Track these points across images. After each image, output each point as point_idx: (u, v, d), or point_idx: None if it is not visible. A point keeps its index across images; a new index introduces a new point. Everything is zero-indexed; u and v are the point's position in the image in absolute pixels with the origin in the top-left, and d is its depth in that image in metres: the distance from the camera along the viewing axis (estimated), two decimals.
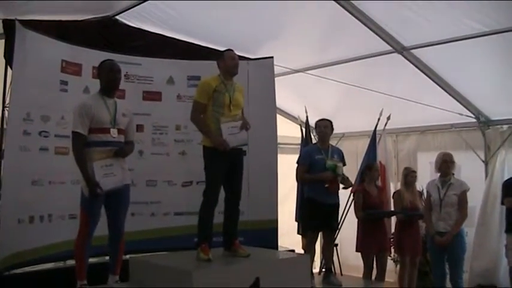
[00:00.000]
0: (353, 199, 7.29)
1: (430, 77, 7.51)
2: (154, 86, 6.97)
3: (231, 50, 5.34)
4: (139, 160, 6.63)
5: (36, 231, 5.65)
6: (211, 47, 7.30)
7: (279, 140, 7.68)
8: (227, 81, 5.19)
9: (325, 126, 6.54)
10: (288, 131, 9.47)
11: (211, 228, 5.07)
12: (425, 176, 7.79)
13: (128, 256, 5.38)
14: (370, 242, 6.91)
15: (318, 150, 6.46)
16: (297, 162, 6.63)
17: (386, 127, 8.75)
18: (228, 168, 5.11)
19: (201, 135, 5.19)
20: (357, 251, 7.05)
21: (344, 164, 6.49)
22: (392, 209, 7.46)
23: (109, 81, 5.04)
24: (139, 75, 6.87)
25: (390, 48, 7.14)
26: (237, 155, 5.18)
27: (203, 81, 5.24)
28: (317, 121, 6.66)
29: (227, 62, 5.21)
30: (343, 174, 6.36)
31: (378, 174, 7.45)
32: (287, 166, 7.76)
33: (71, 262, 5.29)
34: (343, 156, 6.58)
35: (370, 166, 7.39)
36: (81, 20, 6.68)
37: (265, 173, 7.11)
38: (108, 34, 6.84)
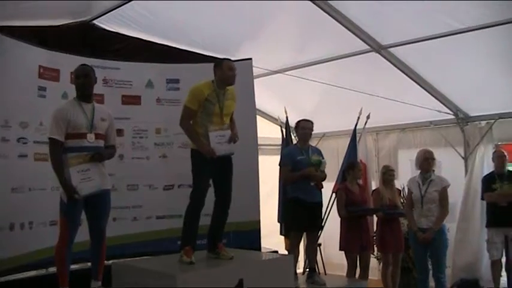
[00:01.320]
0: (335, 197, 7.30)
1: (408, 75, 7.54)
2: (134, 89, 6.92)
3: (230, 60, 5.28)
4: (120, 164, 6.58)
5: (17, 239, 5.58)
6: (190, 50, 7.34)
7: (259, 141, 7.66)
8: (220, 89, 5.14)
9: (307, 128, 6.57)
10: (268, 132, 9.46)
11: (195, 231, 5.05)
12: (406, 173, 7.85)
13: (110, 261, 5.32)
14: (353, 240, 6.91)
15: (299, 151, 6.49)
16: (280, 165, 6.67)
17: (367, 126, 8.76)
18: (217, 172, 5.11)
19: (181, 139, 5.23)
20: (340, 249, 7.06)
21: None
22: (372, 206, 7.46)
23: (76, 86, 4.97)
24: (118, 79, 6.81)
25: (368, 47, 7.17)
26: (226, 160, 5.17)
27: (195, 87, 5.17)
28: (298, 122, 6.68)
29: (225, 72, 5.16)
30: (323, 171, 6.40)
31: (360, 172, 7.47)
32: (268, 167, 7.91)
33: (53, 269, 5.19)
34: (322, 155, 6.61)
35: (353, 165, 7.39)
36: (59, 25, 6.63)
37: (246, 174, 6.87)
38: (86, 39, 6.83)
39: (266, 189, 8.34)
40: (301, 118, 6.71)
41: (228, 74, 5.16)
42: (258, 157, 7.39)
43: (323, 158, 6.48)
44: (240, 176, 6.34)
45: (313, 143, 6.88)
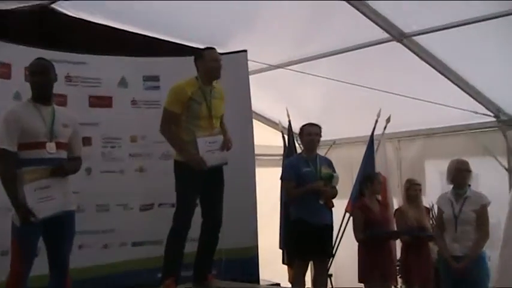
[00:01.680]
0: (349, 218, 7.40)
1: (436, 69, 7.47)
2: (104, 89, 6.93)
3: (213, 49, 5.43)
4: (87, 180, 6.56)
5: None
6: (172, 41, 7.34)
7: (256, 151, 7.66)
8: (206, 86, 5.26)
9: (313, 133, 6.59)
10: (267, 140, 9.52)
11: (179, 260, 5.12)
12: (436, 188, 7.86)
13: None
14: (373, 270, 6.90)
15: (305, 162, 6.52)
16: (281, 179, 6.71)
17: (386, 131, 8.71)
18: (205, 187, 5.22)
19: (163, 148, 5.34)
20: (359, 281, 7.05)
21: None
22: (395, 228, 7.46)
23: (31, 85, 4.93)
24: (84, 76, 6.80)
25: (387, 35, 7.12)
26: (216, 172, 5.29)
27: (176, 85, 5.28)
28: (302, 126, 6.72)
29: (208, 63, 5.30)
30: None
31: (380, 186, 7.46)
32: (268, 182, 7.97)
33: None
34: (333, 167, 6.65)
35: (372, 177, 7.42)
36: (9, 10, 6.56)
37: (241, 190, 7.08)
38: (44, 26, 6.75)
39: (265, 208, 8.30)
40: (306, 122, 6.74)
41: (211, 65, 5.29)
42: (255, 170, 7.41)
43: (334, 172, 6.52)
44: (234, 193, 6.46)
45: (321, 152, 7.00)
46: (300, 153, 7.02)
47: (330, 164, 6.65)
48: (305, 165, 6.47)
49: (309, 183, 6.35)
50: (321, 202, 6.33)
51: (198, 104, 5.16)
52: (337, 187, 6.48)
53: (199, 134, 5.13)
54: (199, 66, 5.32)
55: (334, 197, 6.51)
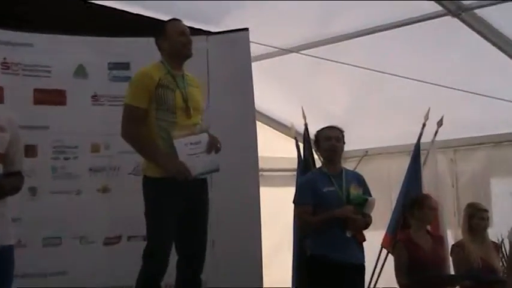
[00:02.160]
0: (388, 255, 7.51)
1: (507, 53, 7.47)
2: (54, 80, 6.83)
3: (178, 21, 5.54)
4: (31, 203, 6.49)
5: None
6: (147, 16, 7.31)
7: (261, 164, 7.64)
8: (176, 70, 5.32)
9: (333, 137, 6.45)
10: (276, 149, 9.65)
11: None
12: (507, 216, 7.81)
13: None
14: None
15: (326, 179, 6.37)
16: (295, 202, 6.55)
17: (438, 138, 8.58)
18: (183, 210, 5.17)
19: (134, 160, 5.58)
20: None
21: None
22: (452, 270, 7.34)
23: None
24: (27, 62, 6.72)
25: (440, 8, 7.16)
26: (197, 190, 5.26)
27: (139, 72, 5.35)
28: (318, 131, 6.63)
29: (174, 38, 5.36)
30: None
31: (432, 214, 7.34)
32: (276, 205, 8.01)
33: None
34: (367, 187, 6.53)
35: (420, 201, 7.28)
36: None
37: (239, 216, 7.05)
38: None
39: (273, 240, 8.46)
40: (325, 125, 6.62)
41: (179, 40, 5.38)
42: (258, 188, 7.33)
43: (368, 192, 6.42)
44: (230, 219, 6.82)
45: (349, 166, 7.13)
46: (319, 168, 6.90)
47: (361, 181, 6.51)
48: (327, 184, 6.30)
49: (333, 209, 6.17)
50: (348, 235, 6.16)
51: (171, 91, 5.22)
52: (371, 214, 6.33)
53: (175, 133, 5.13)
54: (163, 46, 5.43)
55: (366, 228, 6.36)
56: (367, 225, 6.31)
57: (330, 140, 6.41)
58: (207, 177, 5.41)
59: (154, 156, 5.16)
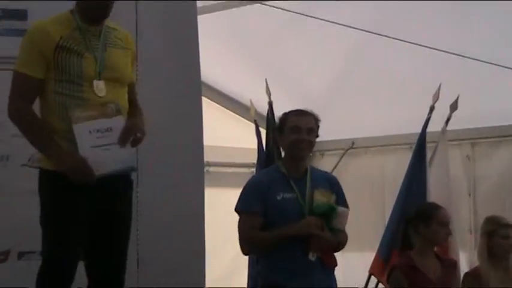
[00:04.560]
0: (376, 285, 7.53)
1: None
2: None
3: None
4: None
5: None
6: None
7: (209, 157, 7.62)
8: (90, 25, 4.78)
9: (304, 129, 5.64)
10: (230, 137, 9.63)
11: None
12: None
13: None
14: None
15: (284, 181, 5.62)
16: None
17: (450, 127, 7.96)
18: (94, 217, 4.69)
19: (29, 149, 4.92)
20: None
21: (346, 207, 5.67)
22: None
23: None
24: None
25: None
26: (114, 185, 4.71)
27: (33, 27, 4.85)
28: (284, 115, 5.87)
29: None
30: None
31: (445, 231, 6.52)
32: (230, 212, 7.04)
33: None
34: (341, 192, 5.74)
35: (429, 212, 6.49)
36: None
37: (178, 225, 6.59)
38: None
39: (225, 259, 8.69)
40: (295, 108, 5.87)
41: None
42: (203, 188, 6.97)
43: (344, 203, 5.64)
44: (165, 229, 6.48)
45: (329, 162, 6.83)
46: (276, 166, 6.15)
47: (333, 184, 5.74)
48: (284, 188, 5.55)
49: (290, 222, 5.45)
50: (312, 258, 5.41)
51: (77, 55, 4.57)
52: (346, 229, 5.59)
53: (76, 115, 4.50)
54: None
55: (340, 249, 5.65)
56: (339, 244, 5.58)
57: (298, 132, 5.60)
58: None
59: (47, 147, 4.61)
